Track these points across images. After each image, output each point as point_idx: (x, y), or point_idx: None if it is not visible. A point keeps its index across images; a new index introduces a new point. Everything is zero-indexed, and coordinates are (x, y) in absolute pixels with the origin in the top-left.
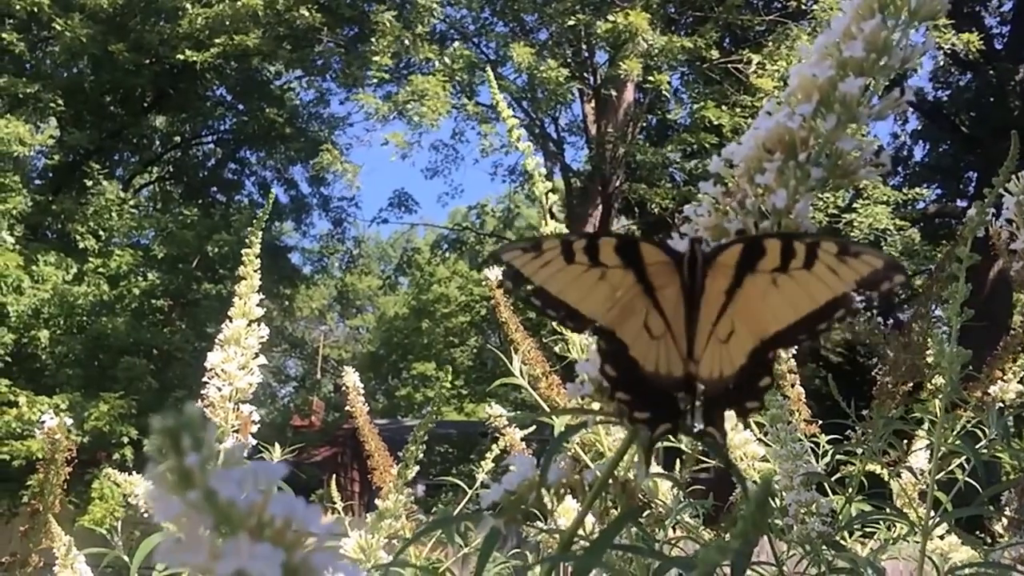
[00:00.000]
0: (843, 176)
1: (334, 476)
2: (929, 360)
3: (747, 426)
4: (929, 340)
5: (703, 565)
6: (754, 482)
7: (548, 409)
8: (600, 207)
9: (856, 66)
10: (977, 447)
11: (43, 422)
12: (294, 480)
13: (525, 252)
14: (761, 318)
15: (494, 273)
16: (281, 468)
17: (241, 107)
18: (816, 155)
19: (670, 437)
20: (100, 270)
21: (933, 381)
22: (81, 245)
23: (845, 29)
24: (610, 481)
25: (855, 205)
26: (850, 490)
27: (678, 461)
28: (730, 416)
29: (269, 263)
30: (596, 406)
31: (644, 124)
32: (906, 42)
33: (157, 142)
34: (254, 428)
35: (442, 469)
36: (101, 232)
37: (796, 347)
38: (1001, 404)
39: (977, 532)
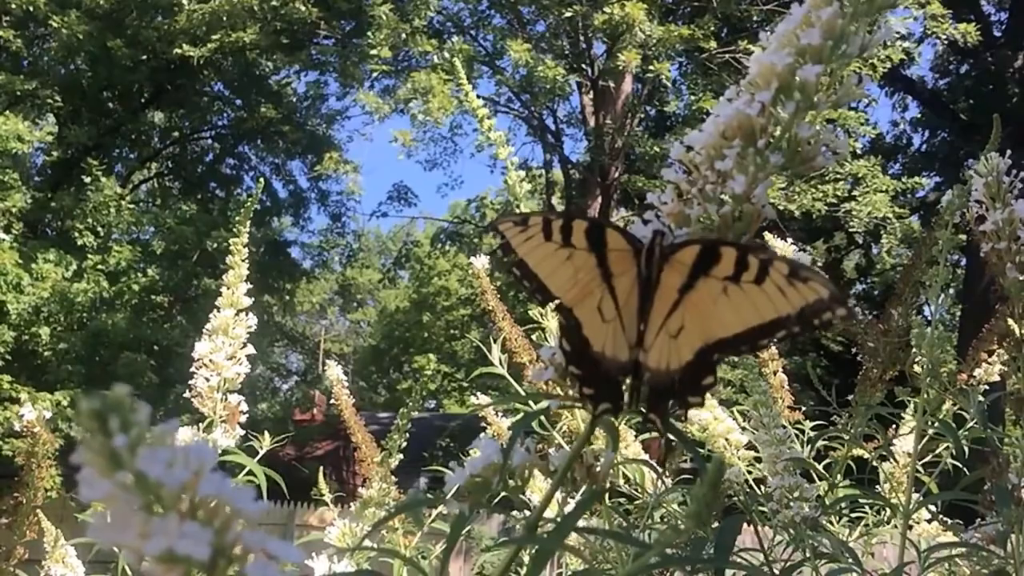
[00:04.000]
0: (802, 163)
1: (334, 470)
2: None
3: (732, 416)
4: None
5: (658, 546)
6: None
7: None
8: (599, 199)
9: (814, 54)
10: (962, 431)
11: (23, 415)
12: (295, 474)
13: (515, 225)
14: (709, 321)
15: (480, 261)
16: (211, 450)
17: (239, 102)
18: (775, 142)
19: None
20: (99, 267)
21: (916, 366)
22: (80, 242)
23: (804, 17)
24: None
25: (854, 194)
26: (837, 475)
27: (667, 451)
28: (714, 405)
29: (269, 258)
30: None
31: (643, 116)
32: (865, 30)
33: (155, 138)
34: (242, 418)
35: (444, 462)
36: (100, 229)
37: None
38: (987, 387)
39: (979, 517)
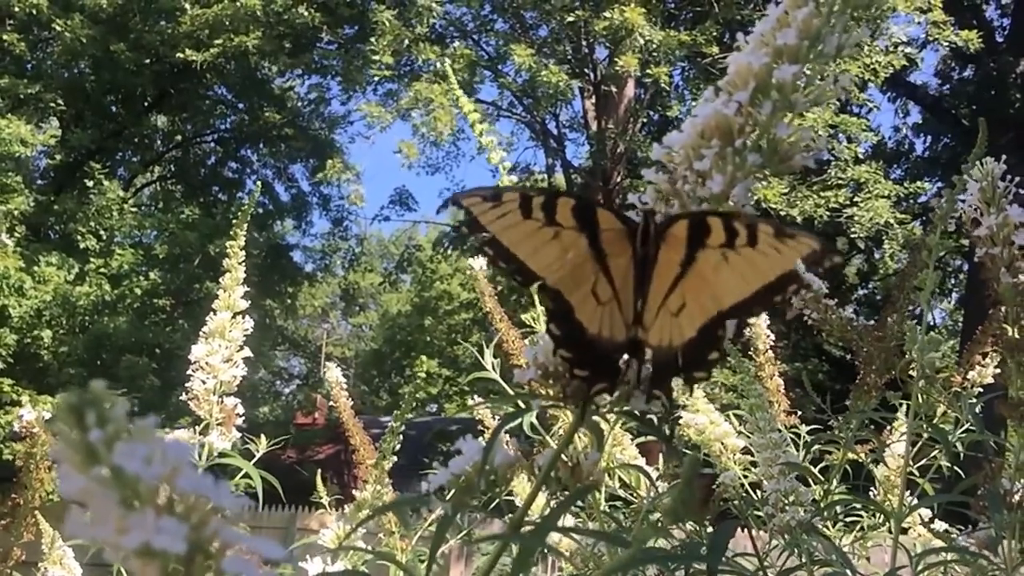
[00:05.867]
0: (781, 162)
1: (336, 473)
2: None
3: (727, 418)
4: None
5: (637, 542)
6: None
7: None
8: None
9: (791, 54)
10: (957, 433)
11: (22, 416)
12: (296, 477)
13: (484, 200)
14: (716, 291)
15: (478, 262)
16: (187, 446)
17: (241, 106)
18: (754, 142)
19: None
20: (102, 270)
21: (910, 370)
22: (82, 245)
23: (780, 17)
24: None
25: (856, 200)
26: (833, 480)
27: (660, 455)
28: (710, 409)
29: (271, 262)
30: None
31: (645, 120)
32: (841, 30)
33: (158, 141)
34: (239, 421)
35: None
36: (102, 232)
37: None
38: (980, 390)
39: (971, 523)
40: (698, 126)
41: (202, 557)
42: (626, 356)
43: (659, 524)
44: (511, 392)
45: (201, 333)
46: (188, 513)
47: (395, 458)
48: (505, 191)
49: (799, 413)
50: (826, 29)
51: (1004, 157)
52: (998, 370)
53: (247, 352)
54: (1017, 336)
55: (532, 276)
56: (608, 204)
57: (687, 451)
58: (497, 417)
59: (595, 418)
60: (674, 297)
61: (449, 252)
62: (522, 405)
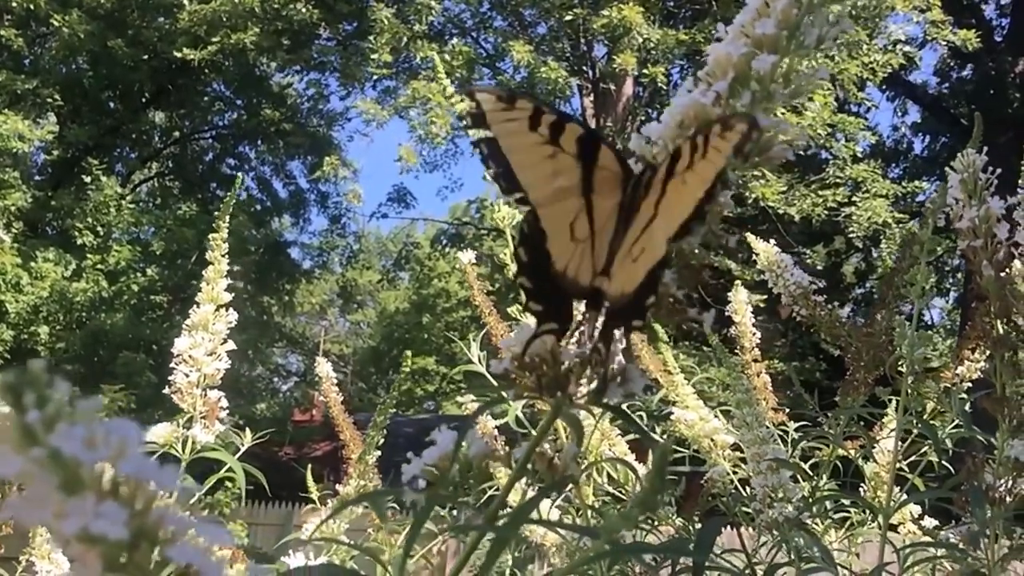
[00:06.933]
0: (759, 154)
1: (333, 470)
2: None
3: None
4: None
5: (606, 533)
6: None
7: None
8: None
9: (770, 44)
10: (947, 429)
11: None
12: (294, 474)
13: (498, 100)
14: (670, 222)
15: (468, 256)
16: (132, 427)
17: (239, 102)
18: None
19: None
20: (99, 266)
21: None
22: (80, 241)
23: (759, 7)
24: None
25: (854, 199)
26: (822, 475)
27: (650, 452)
28: (700, 405)
29: (270, 259)
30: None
31: (644, 118)
32: (822, 23)
33: (156, 138)
34: (222, 414)
35: None
36: (100, 228)
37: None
38: (970, 384)
39: (955, 518)
40: (676, 116)
41: (147, 544)
42: (584, 304)
43: (631, 515)
44: (494, 384)
45: (184, 326)
46: (131, 498)
47: (378, 453)
48: (521, 96)
49: (787, 410)
50: (806, 20)
51: (986, 149)
52: (986, 365)
53: (231, 345)
54: (1003, 331)
55: (516, 186)
56: (613, 143)
57: (657, 438)
58: (488, 413)
59: (575, 411)
60: (638, 243)
61: (447, 250)
62: (501, 395)
